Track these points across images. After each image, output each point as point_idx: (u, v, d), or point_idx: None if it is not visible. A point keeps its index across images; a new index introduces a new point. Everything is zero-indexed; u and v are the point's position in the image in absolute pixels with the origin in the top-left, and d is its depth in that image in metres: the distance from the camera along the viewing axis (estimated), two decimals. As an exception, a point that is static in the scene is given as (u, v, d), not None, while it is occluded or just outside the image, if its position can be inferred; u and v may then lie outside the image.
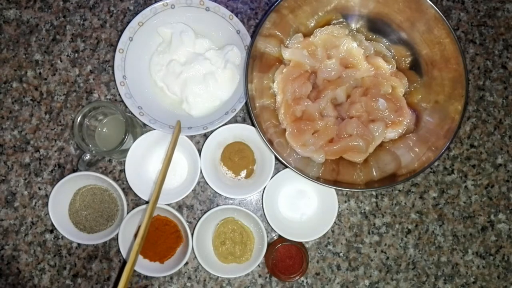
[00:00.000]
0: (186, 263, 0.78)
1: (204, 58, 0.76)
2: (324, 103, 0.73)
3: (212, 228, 0.78)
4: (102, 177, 0.74)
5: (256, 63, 0.70)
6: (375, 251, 0.79)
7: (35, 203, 0.79)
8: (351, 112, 0.73)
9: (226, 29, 0.77)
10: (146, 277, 0.78)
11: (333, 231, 0.79)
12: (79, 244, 0.78)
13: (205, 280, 0.78)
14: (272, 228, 0.77)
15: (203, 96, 0.76)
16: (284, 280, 0.74)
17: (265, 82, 0.74)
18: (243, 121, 0.81)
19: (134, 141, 0.74)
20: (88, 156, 0.71)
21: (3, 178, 0.80)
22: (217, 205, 0.79)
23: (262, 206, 0.75)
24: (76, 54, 0.82)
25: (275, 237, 0.79)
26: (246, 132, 0.76)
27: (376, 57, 0.75)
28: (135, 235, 0.76)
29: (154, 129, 0.74)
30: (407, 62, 0.76)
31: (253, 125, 0.71)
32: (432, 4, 0.68)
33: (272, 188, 0.76)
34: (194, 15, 0.77)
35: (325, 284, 0.78)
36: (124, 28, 0.74)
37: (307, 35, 0.76)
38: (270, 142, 0.68)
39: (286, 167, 0.69)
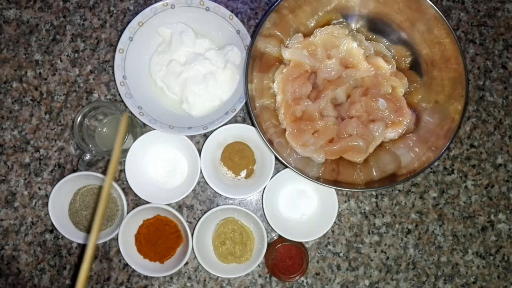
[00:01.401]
0: (186, 263, 0.78)
1: (204, 58, 0.76)
2: (324, 103, 0.73)
3: (212, 228, 0.78)
4: (102, 177, 0.74)
5: (256, 63, 0.70)
6: (375, 251, 0.79)
7: (35, 203, 0.79)
8: (351, 112, 0.73)
9: (226, 29, 0.77)
10: (146, 277, 0.78)
11: (333, 231, 0.79)
12: (79, 244, 0.78)
13: (205, 280, 0.78)
14: (272, 228, 0.77)
15: (203, 96, 0.76)
16: (284, 280, 0.74)
17: (265, 82, 0.74)
18: (243, 121, 0.81)
19: (134, 141, 0.74)
20: (88, 156, 0.71)
21: (3, 178, 0.80)
22: (217, 205, 0.79)
23: (262, 206, 0.75)
24: (76, 54, 0.82)
25: (275, 237, 0.79)
26: (246, 132, 0.76)
27: (376, 57, 0.75)
28: (135, 235, 0.76)
29: (154, 129, 0.74)
30: (407, 62, 0.76)
31: (253, 125, 0.71)
32: (432, 4, 0.68)
33: (272, 188, 0.76)
34: (194, 15, 0.77)
35: (325, 284, 0.78)
36: (124, 28, 0.74)
37: (307, 35, 0.76)
38: (270, 142, 0.68)
39: (286, 167, 0.69)
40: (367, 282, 0.79)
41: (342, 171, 0.72)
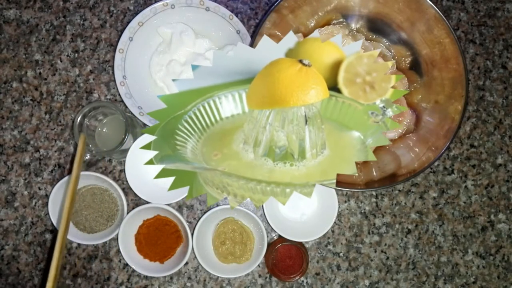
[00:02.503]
0: (186, 263, 0.78)
1: (204, 58, 0.76)
2: (324, 103, 0.72)
3: (212, 228, 0.78)
4: (102, 177, 0.74)
5: (256, 63, 0.70)
6: (375, 251, 0.79)
7: (35, 203, 0.79)
8: (351, 112, 0.73)
9: (226, 29, 0.77)
10: (146, 277, 0.78)
11: (333, 231, 0.79)
12: (79, 244, 0.78)
13: (205, 280, 0.78)
14: (272, 228, 0.77)
15: (203, 96, 0.76)
16: (284, 280, 0.74)
17: (265, 82, 0.74)
18: (243, 121, 0.81)
19: (134, 141, 0.74)
20: (88, 156, 0.71)
21: (3, 178, 0.80)
22: (217, 205, 0.79)
23: (262, 206, 0.75)
24: (76, 54, 0.82)
25: (275, 237, 0.79)
26: (246, 132, 0.76)
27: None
28: (135, 235, 0.76)
29: (154, 129, 0.74)
30: (407, 62, 0.76)
31: (253, 125, 0.71)
32: (432, 4, 0.68)
33: (272, 188, 0.76)
34: (194, 15, 0.77)
35: (325, 284, 0.78)
36: (124, 28, 0.74)
37: (307, 35, 0.76)
38: (270, 142, 0.67)
39: (286, 167, 0.68)
40: (367, 282, 0.79)
41: (342, 171, 0.72)
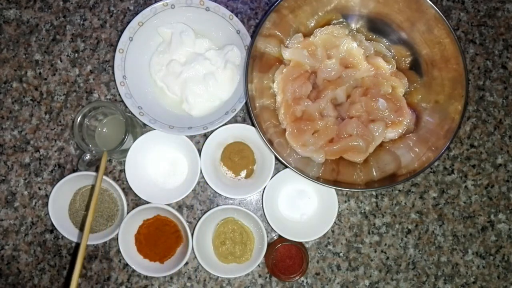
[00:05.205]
0: (186, 263, 0.78)
1: (204, 58, 0.76)
2: (324, 103, 0.73)
3: (212, 228, 0.78)
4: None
5: (256, 63, 0.70)
6: (375, 251, 0.79)
7: (35, 203, 0.79)
8: (351, 112, 0.73)
9: (226, 29, 0.77)
10: (146, 277, 0.78)
11: (333, 231, 0.79)
12: (79, 244, 0.78)
13: (205, 280, 0.78)
14: (272, 228, 0.77)
15: (203, 96, 0.76)
16: (284, 280, 0.74)
17: (265, 82, 0.74)
18: (243, 121, 0.81)
19: (134, 141, 0.74)
20: (88, 156, 0.71)
21: (3, 178, 0.80)
22: (217, 205, 0.79)
23: (262, 206, 0.75)
24: (76, 54, 0.82)
25: (275, 237, 0.79)
26: (246, 132, 0.76)
27: (376, 57, 0.75)
28: (135, 235, 0.76)
29: (154, 129, 0.74)
30: (407, 62, 0.76)
31: (253, 125, 0.71)
32: (432, 4, 0.68)
33: (272, 188, 0.76)
34: (194, 15, 0.77)
35: (325, 284, 0.78)
36: (124, 28, 0.74)
37: (307, 35, 0.76)
38: (270, 142, 0.68)
39: (286, 167, 0.69)
40: (367, 282, 0.79)
41: (342, 171, 0.72)
